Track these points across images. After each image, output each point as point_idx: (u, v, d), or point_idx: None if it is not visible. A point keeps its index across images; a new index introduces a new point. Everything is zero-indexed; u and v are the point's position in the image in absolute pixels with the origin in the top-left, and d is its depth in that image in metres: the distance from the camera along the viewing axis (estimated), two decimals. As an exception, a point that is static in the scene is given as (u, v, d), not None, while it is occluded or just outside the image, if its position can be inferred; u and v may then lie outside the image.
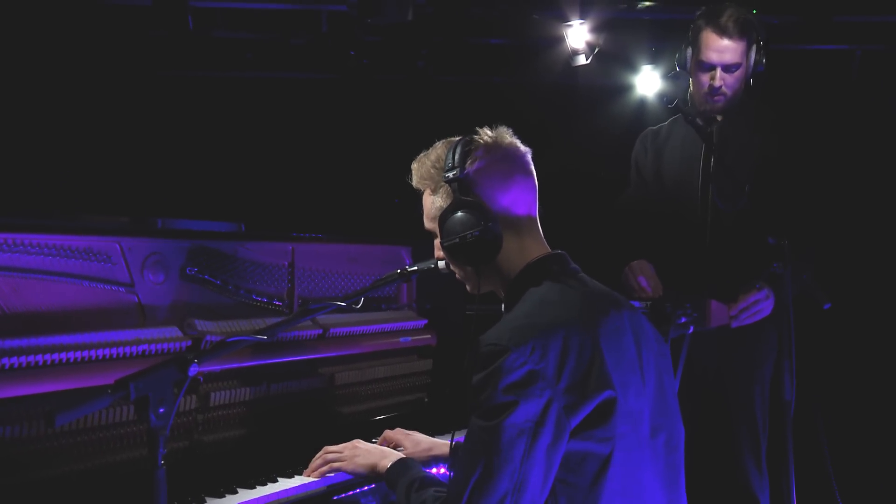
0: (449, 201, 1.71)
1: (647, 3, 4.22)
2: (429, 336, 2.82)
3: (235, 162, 4.89)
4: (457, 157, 1.70)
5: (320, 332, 2.42)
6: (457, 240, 1.67)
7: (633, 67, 4.54)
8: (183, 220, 2.39)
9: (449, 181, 1.70)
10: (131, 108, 4.66)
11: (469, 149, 1.71)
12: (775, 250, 2.26)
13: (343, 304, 1.95)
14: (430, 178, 1.76)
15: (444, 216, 1.69)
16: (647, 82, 4.55)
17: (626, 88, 4.65)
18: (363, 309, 2.25)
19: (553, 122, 4.77)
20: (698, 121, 2.65)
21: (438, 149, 1.78)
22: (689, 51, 2.73)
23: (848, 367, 4.34)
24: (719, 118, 2.77)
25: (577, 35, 4.04)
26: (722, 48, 2.65)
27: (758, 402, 2.72)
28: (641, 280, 2.62)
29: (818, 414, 2.58)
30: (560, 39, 4.16)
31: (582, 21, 4.00)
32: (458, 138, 1.76)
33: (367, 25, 4.20)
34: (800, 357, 2.27)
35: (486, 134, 1.74)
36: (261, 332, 1.84)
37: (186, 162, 4.81)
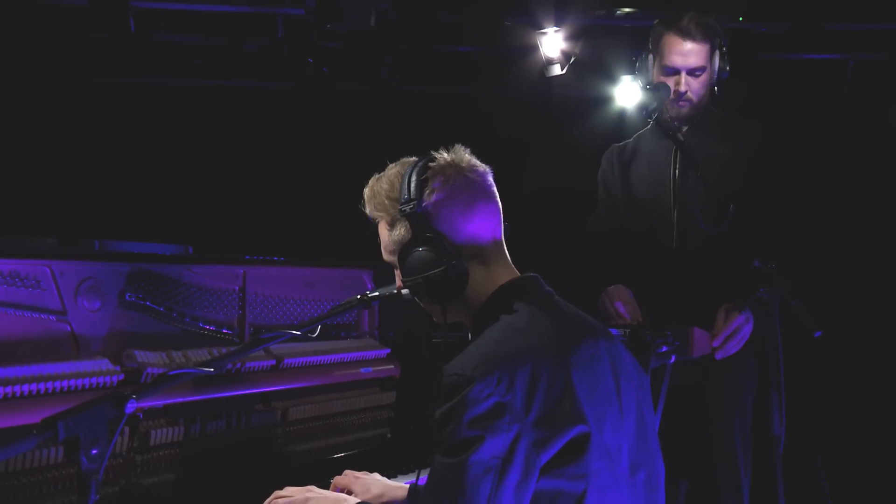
0: (408, 235, 1.71)
1: (627, 10, 4.29)
2: (392, 366, 2.82)
3: (182, 178, 4.86)
4: (412, 187, 1.70)
5: (273, 362, 2.41)
6: (419, 280, 1.68)
7: (611, 78, 4.60)
8: (122, 241, 2.36)
9: (406, 215, 1.71)
10: (65, 117, 4.61)
11: (425, 177, 1.71)
12: (760, 274, 2.29)
13: (298, 332, 1.94)
14: (384, 209, 1.76)
15: (404, 253, 1.70)
16: (627, 93, 4.61)
17: (605, 100, 4.70)
18: (320, 337, 2.23)
19: (527, 136, 4.81)
20: (680, 136, 2.70)
21: (391, 174, 1.77)
22: (651, 58, 2.82)
23: (841, 399, 4.40)
24: (685, 129, 2.83)
25: (552, 43, 4.09)
26: (685, 51, 2.74)
27: (737, 435, 2.74)
28: (619, 306, 2.64)
29: (818, 451, 2.60)
30: (534, 48, 4.21)
31: (557, 28, 4.05)
32: (411, 160, 1.76)
33: (326, 31, 4.22)
34: (789, 389, 2.30)
35: (443, 157, 1.74)
36: (208, 363, 1.82)
37: (127, 178, 4.76)
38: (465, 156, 1.76)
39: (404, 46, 4.54)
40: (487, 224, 1.74)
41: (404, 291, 1.89)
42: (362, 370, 2.71)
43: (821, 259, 2.80)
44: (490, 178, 1.77)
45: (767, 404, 2.30)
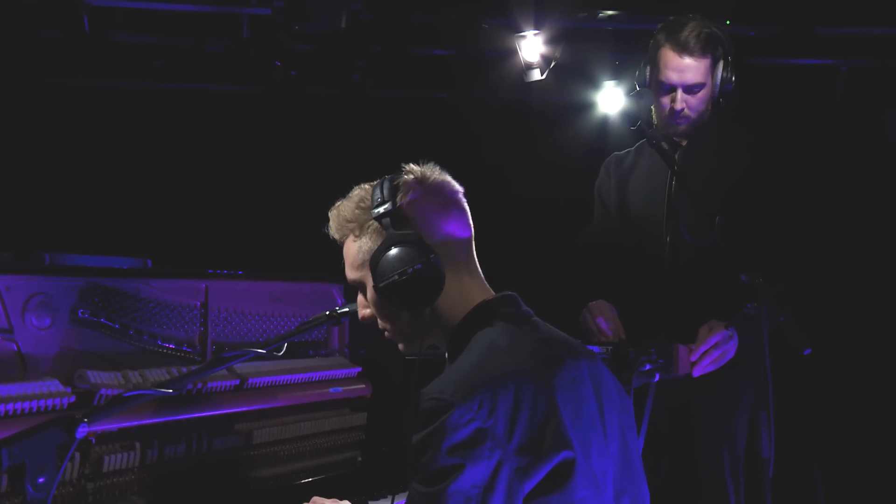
0: (380, 239, 1.72)
1: (610, 13, 4.32)
2: (363, 386, 2.81)
3: (141, 187, 4.83)
4: (386, 191, 1.72)
5: (237, 382, 2.39)
6: (395, 276, 1.67)
7: (594, 83, 4.64)
8: (75, 254, 2.34)
9: (380, 217, 1.71)
10: (15, 121, 4.56)
11: (398, 183, 1.74)
12: (748, 289, 2.30)
13: (263, 350, 1.93)
14: (354, 219, 1.77)
15: (378, 254, 1.70)
16: (610, 99, 4.66)
17: (587, 106, 4.75)
18: (287, 355, 2.23)
19: (505, 143, 4.83)
20: (664, 145, 2.68)
21: (359, 191, 1.80)
22: (649, 69, 2.78)
23: (834, 419, 4.44)
24: (684, 143, 2.82)
25: (531, 47, 4.11)
26: (682, 67, 2.69)
27: (727, 460, 2.72)
28: (601, 322, 2.64)
29: (817, 466, 2.59)
30: (513, 52, 4.23)
31: (536, 31, 4.07)
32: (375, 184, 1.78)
33: (294, 32, 4.22)
34: (778, 410, 2.31)
35: (415, 168, 1.77)
36: (167, 384, 1.81)
37: (82, 186, 4.73)
38: (436, 170, 1.79)
39: (377, 49, 4.56)
40: (461, 234, 1.76)
41: (364, 313, 1.88)
42: (331, 390, 2.69)
43: (812, 271, 2.81)
44: (462, 196, 1.79)
45: (756, 425, 2.30)
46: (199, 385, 2.28)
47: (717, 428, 2.74)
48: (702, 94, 2.73)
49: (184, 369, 2.23)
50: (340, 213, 1.79)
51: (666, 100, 2.74)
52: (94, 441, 2.05)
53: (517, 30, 4.11)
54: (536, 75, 4.17)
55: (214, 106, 4.95)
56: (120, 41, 4.41)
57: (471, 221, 1.79)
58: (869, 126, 4.72)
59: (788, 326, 2.37)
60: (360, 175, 1.85)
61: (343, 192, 1.84)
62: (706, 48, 2.70)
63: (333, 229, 1.81)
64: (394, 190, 1.72)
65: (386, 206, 1.71)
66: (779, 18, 4.40)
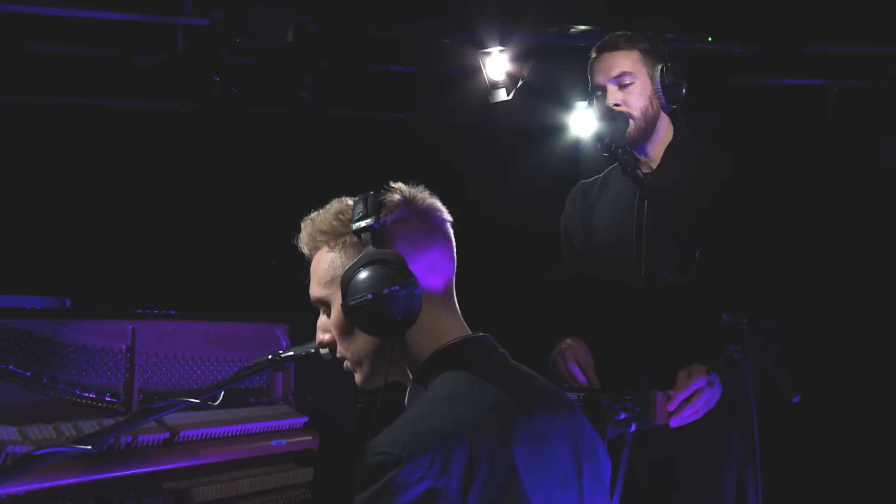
0: (356, 256, 1.71)
1: (582, 28, 4.39)
2: (309, 438, 2.80)
3: (58, 216, 4.78)
4: (369, 206, 1.72)
5: (167, 435, 2.37)
6: (368, 296, 1.65)
7: (565, 104, 4.70)
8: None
9: (359, 231, 1.71)
10: None
11: (384, 199, 1.75)
12: (732, 330, 2.32)
13: (197, 400, 1.92)
14: (330, 230, 1.76)
15: (351, 270, 1.68)
16: (583, 121, 4.71)
17: (558, 128, 4.80)
18: (224, 405, 2.22)
19: (470, 168, 4.87)
20: (639, 172, 2.71)
21: (338, 204, 1.79)
22: (590, 87, 2.87)
23: (825, 474, 4.49)
24: (653, 166, 2.87)
25: (497, 65, 4.15)
26: (609, 65, 2.80)
27: None
28: (573, 367, 2.66)
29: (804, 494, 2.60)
30: (477, 69, 4.28)
31: (502, 48, 4.11)
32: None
33: (235, 45, 4.23)
34: (765, 462, 2.34)
35: (403, 187, 1.79)
36: (84, 439, 1.79)
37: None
38: (426, 194, 1.80)
39: (329, 65, 4.58)
40: (443, 265, 1.76)
41: (323, 352, 1.88)
42: (274, 443, 2.69)
43: (800, 307, 2.85)
44: (450, 227, 1.81)
45: (741, 480, 2.32)
46: (123, 440, 2.26)
47: (704, 486, 2.75)
48: (636, 88, 2.79)
49: (106, 422, 2.22)
50: (315, 223, 1.78)
51: (602, 104, 2.81)
52: (0, 505, 2.02)
53: (481, 46, 4.16)
54: (502, 95, 4.21)
55: (145, 124, 4.93)
56: (36, 51, 4.38)
57: (455, 255, 1.80)
58: (863, 151, 4.82)
59: (776, 371, 2.39)
60: (309, 203, 1.84)
61: (291, 223, 1.83)
62: (632, 42, 2.81)
63: (304, 240, 1.80)
64: (378, 206, 1.73)
65: (368, 220, 1.70)
66: (764, 35, 4.49)
